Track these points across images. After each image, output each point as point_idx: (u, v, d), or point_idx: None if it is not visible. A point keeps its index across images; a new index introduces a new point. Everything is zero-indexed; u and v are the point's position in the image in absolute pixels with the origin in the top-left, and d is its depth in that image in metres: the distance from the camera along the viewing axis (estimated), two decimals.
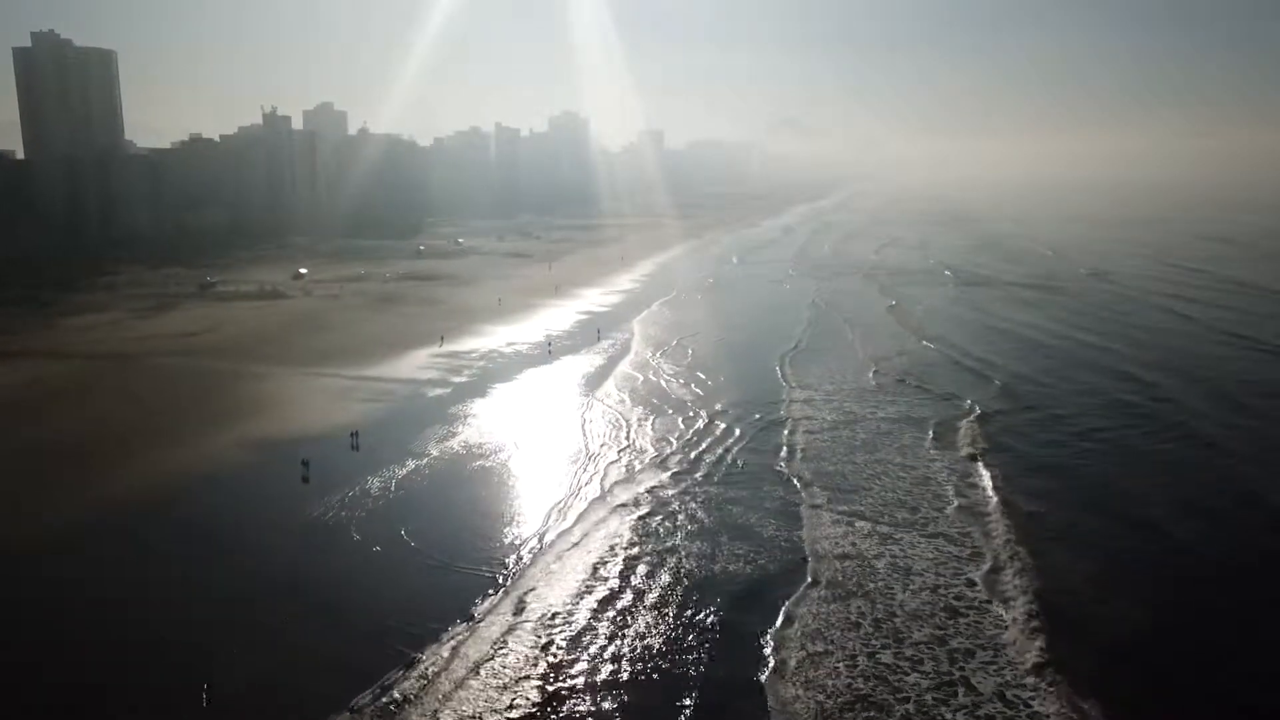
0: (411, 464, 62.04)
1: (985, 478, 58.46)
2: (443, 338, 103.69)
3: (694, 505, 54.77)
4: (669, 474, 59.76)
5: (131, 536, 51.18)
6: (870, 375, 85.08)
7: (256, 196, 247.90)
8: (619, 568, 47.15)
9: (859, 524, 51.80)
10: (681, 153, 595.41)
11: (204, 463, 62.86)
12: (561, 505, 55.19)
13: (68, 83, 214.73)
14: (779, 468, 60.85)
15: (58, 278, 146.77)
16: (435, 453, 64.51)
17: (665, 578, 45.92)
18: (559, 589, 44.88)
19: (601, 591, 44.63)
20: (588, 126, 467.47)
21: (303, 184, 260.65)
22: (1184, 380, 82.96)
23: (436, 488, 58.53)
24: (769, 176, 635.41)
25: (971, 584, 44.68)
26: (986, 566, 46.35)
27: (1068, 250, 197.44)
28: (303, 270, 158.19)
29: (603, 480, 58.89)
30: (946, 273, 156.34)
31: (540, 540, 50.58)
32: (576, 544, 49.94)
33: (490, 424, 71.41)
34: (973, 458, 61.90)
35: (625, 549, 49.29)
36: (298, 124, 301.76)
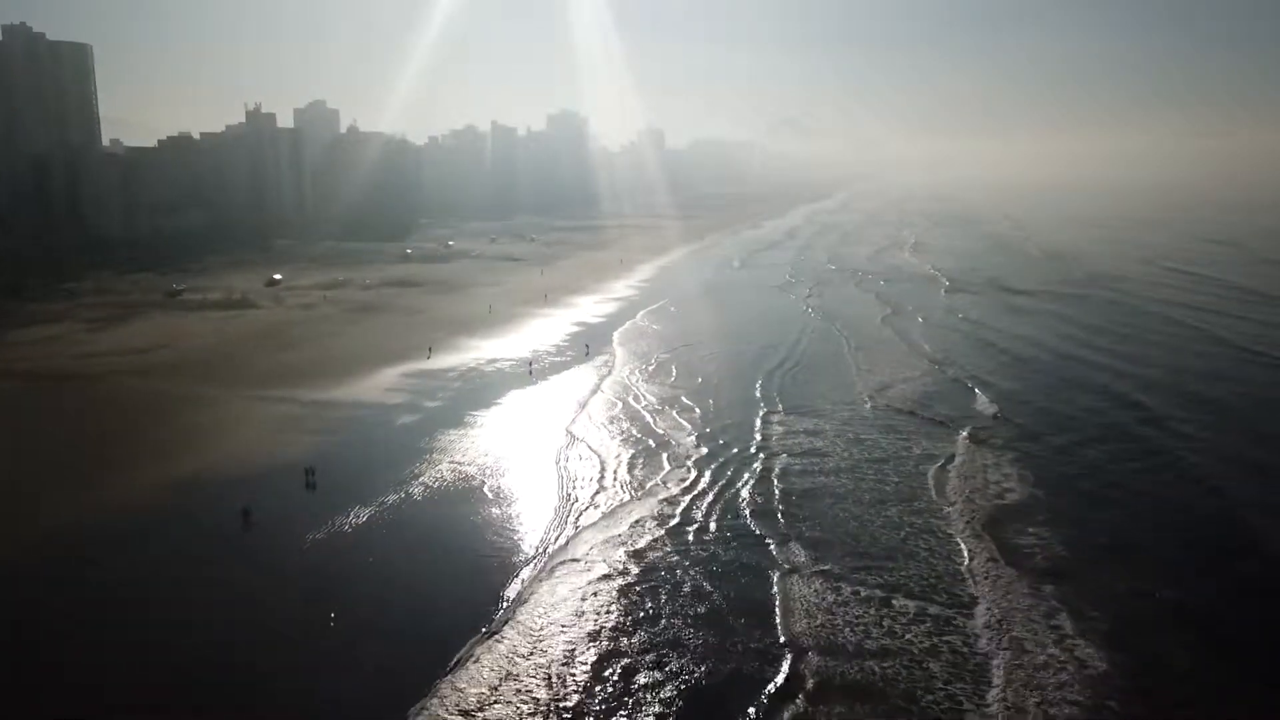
0: (368, 513, 52.24)
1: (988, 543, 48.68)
2: (431, 349, 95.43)
3: (666, 575, 44.74)
4: (642, 535, 49.36)
5: (10, 609, 41.54)
6: (866, 402, 74.35)
7: (239, 198, 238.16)
8: (578, 671, 37.43)
9: (850, 609, 41.69)
10: (682, 152, 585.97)
11: (119, 511, 53.11)
12: (526, 573, 45.12)
13: (40, 78, 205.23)
14: (762, 533, 49.32)
15: (14, 284, 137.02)
16: (395, 498, 54.64)
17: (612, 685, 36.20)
18: (513, 692, 35.19)
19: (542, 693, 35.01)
20: (586, 125, 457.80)
21: (288, 185, 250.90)
22: (1193, 407, 71.98)
23: (396, 543, 48.66)
24: (770, 177, 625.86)
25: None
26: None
27: (1064, 253, 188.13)
28: (277, 276, 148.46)
29: (572, 540, 48.73)
30: (943, 280, 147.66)
31: (501, 616, 40.84)
32: (538, 635, 40.02)
33: (461, 461, 61.51)
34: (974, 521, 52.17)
35: (586, 643, 39.51)
36: (288, 122, 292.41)
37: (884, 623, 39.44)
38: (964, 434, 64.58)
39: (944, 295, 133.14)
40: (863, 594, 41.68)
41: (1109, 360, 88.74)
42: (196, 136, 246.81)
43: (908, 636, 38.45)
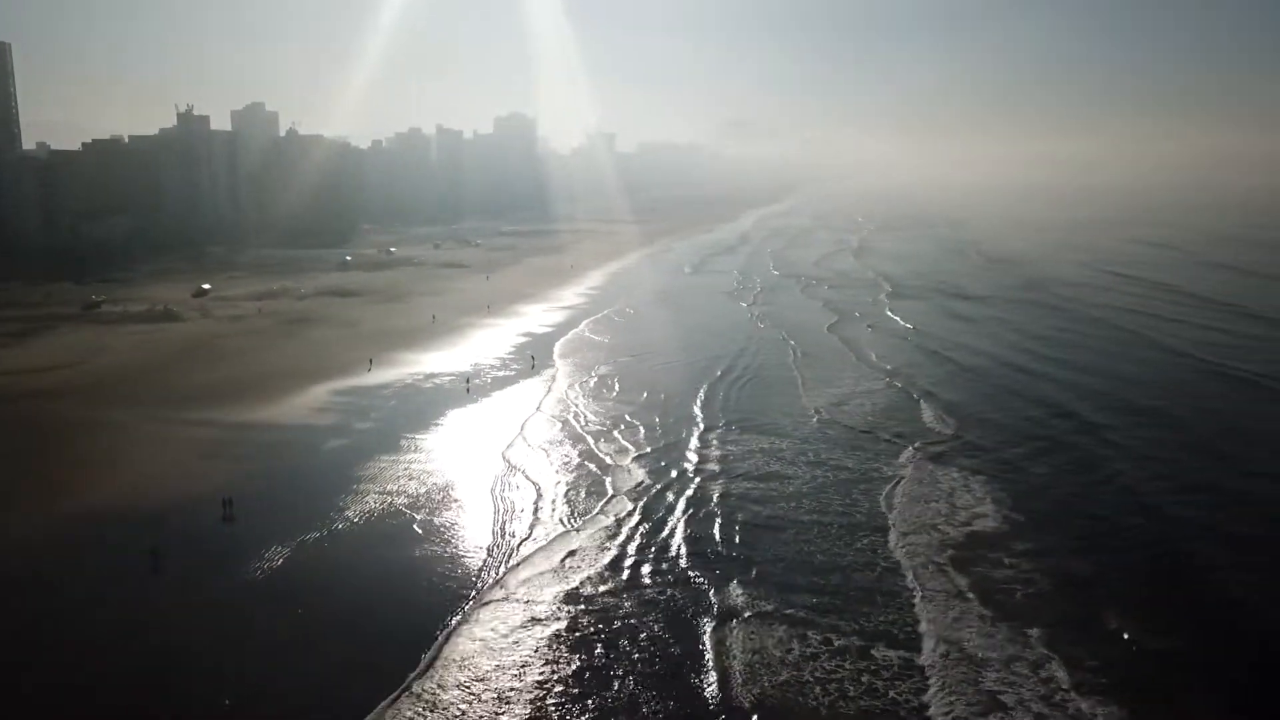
0: (286, 553, 47.58)
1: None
2: (371, 362, 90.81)
3: (600, 619, 40.83)
4: (578, 573, 45.38)
5: None
6: (814, 418, 71.12)
7: (170, 204, 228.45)
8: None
9: (792, 657, 37.88)
10: (633, 155, 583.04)
11: (2, 554, 47.55)
12: (453, 621, 40.71)
13: None
14: (702, 570, 45.16)
15: None
16: (316, 535, 49.95)
17: None
18: None
19: None
20: (535, 128, 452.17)
21: (223, 190, 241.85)
22: (1139, 420, 69.77)
23: (315, 589, 44.07)
24: (721, 180, 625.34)
25: None
26: None
27: (1010, 258, 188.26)
28: (206, 286, 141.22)
29: (503, 581, 44.53)
30: (890, 286, 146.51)
31: (419, 672, 36.42)
32: (457, 694, 35.67)
33: (390, 491, 56.94)
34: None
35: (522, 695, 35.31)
36: (225, 125, 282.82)
37: (833, 677, 36.10)
38: (916, 452, 61.99)
39: (890, 302, 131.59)
40: (809, 640, 38.40)
41: (1052, 370, 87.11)
42: (115, 139, 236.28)
43: (859, 697, 34.82)
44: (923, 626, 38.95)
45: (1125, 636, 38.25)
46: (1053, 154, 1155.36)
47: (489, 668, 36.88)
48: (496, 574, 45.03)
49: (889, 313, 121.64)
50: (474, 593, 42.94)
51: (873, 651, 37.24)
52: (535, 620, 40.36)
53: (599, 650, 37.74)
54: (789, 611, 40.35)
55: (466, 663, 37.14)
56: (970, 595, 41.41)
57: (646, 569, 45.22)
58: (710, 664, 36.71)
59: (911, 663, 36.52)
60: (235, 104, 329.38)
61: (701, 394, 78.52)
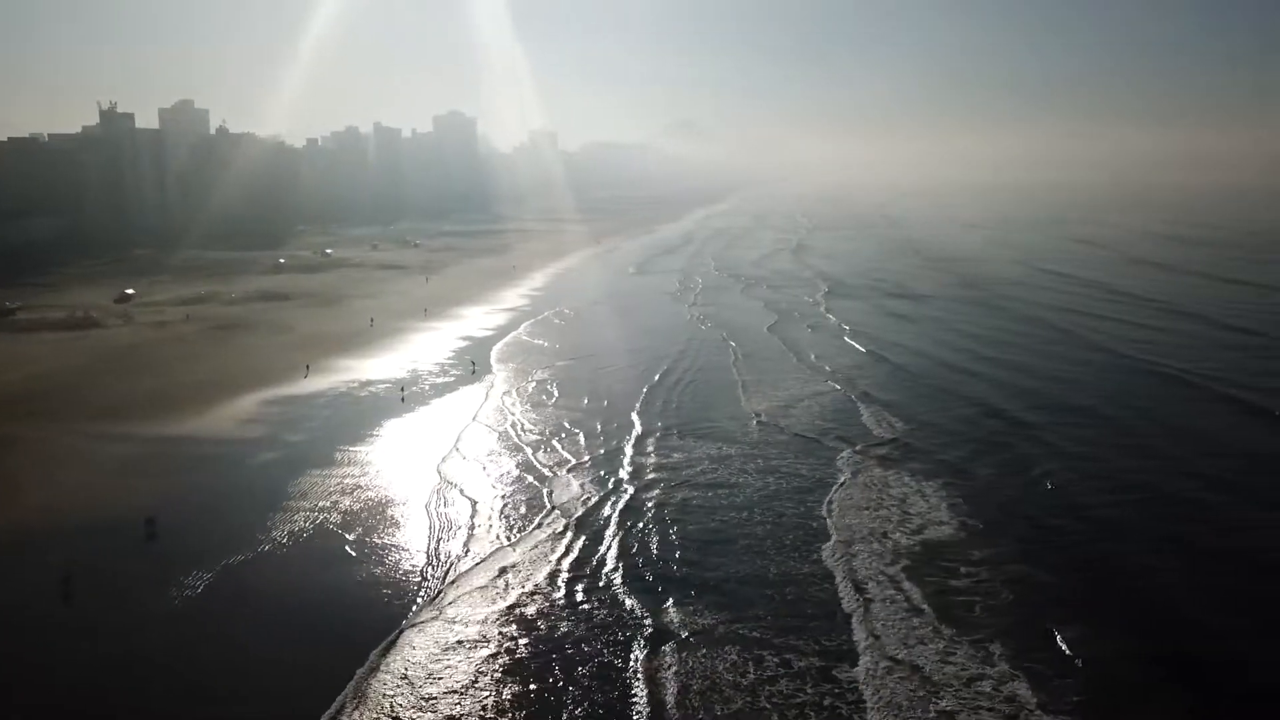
0: (209, 578, 45.15)
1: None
2: (308, 368, 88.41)
3: (535, 640, 39.49)
4: (511, 591, 43.81)
5: None
6: (753, 421, 70.56)
7: (93, 204, 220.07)
8: None
9: (729, 680, 37.00)
10: (576, 154, 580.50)
11: None
12: (379, 654, 38.73)
13: None
14: (641, 588, 43.62)
15: None
16: (242, 558, 47.58)
17: None
18: None
19: None
20: (475, 126, 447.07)
21: (150, 189, 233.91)
22: (1077, 420, 70.25)
23: (239, 616, 41.83)
24: (665, 180, 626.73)
25: None
26: None
27: (945, 256, 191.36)
28: (130, 291, 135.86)
29: (436, 603, 42.75)
30: (828, 285, 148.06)
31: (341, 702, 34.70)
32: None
33: (321, 508, 54.66)
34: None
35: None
36: (152, 123, 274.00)
37: (793, 702, 35.04)
38: (860, 457, 61.69)
39: (829, 301, 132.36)
40: (765, 663, 37.17)
41: (989, 369, 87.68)
42: (33, 139, 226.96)
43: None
44: (883, 643, 38.06)
45: (1088, 650, 37.53)
46: (977, 152, 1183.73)
47: (408, 704, 35.07)
48: (428, 596, 43.30)
49: (829, 313, 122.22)
50: (404, 619, 41.11)
51: (834, 672, 36.17)
52: (465, 645, 38.71)
53: (532, 681, 36.20)
54: (741, 631, 39.24)
55: (386, 700, 35.23)
56: (925, 609, 40.73)
57: (586, 587, 43.91)
58: (656, 692, 35.28)
59: (862, 682, 35.73)
60: (164, 102, 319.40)
61: (642, 399, 77.48)
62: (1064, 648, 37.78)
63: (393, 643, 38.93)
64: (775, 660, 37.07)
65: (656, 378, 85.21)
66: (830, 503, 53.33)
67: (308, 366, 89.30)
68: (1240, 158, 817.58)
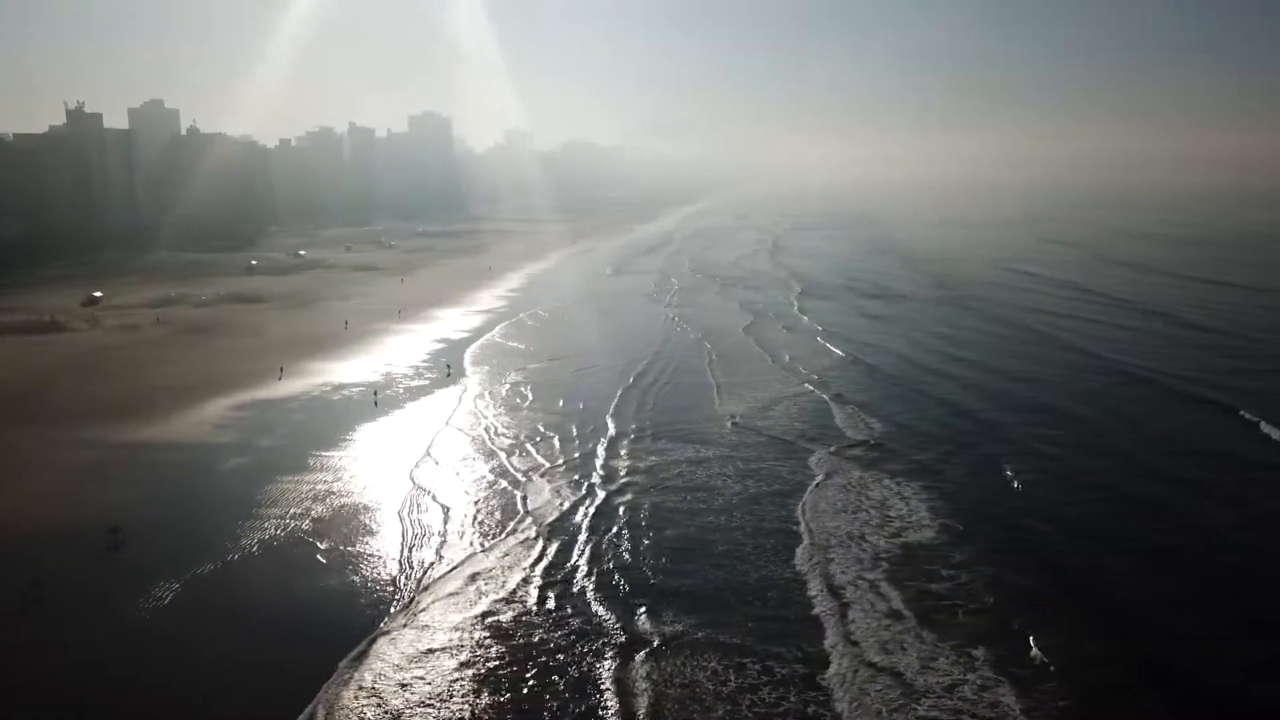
0: (176, 589, 44.40)
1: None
2: (282, 370, 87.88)
3: (508, 648, 39.16)
4: (483, 599, 43.52)
5: None
6: (729, 424, 70.51)
7: (59, 205, 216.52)
8: None
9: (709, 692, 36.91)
10: (552, 154, 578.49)
11: None
12: (342, 664, 38.31)
13: None
14: (615, 597, 43.39)
15: None
16: (211, 568, 46.91)
17: None
18: None
19: None
20: (450, 126, 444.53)
21: (118, 190, 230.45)
22: (1051, 422, 70.97)
23: (207, 627, 41.20)
24: (642, 180, 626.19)
25: None
26: None
27: (919, 256, 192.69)
28: (98, 294, 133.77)
29: (406, 616, 42.27)
30: (802, 286, 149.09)
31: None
32: None
33: (293, 515, 54.01)
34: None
35: None
36: (121, 123, 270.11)
37: (752, 709, 34.93)
38: (836, 458, 61.88)
39: (805, 302, 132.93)
40: (723, 669, 36.97)
41: (963, 370, 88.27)
42: (10, 138, 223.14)
43: None
44: (863, 649, 37.93)
45: (1071, 654, 37.53)
46: (971, 151, 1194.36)
47: (376, 716, 34.60)
48: (400, 605, 42.85)
49: (804, 314, 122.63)
50: (375, 628, 40.64)
51: (816, 679, 35.95)
52: (436, 655, 38.35)
53: (504, 692, 35.81)
54: (717, 638, 38.98)
55: (354, 714, 34.73)
56: (907, 613, 40.68)
57: (560, 594, 43.68)
58: (631, 703, 35.00)
59: (840, 690, 35.65)
60: (133, 102, 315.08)
61: (617, 401, 77.29)
62: (1047, 652, 37.68)
63: (363, 652, 38.51)
64: (756, 668, 36.84)
65: (631, 380, 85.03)
66: (806, 506, 53.38)
67: (281, 369, 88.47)
68: (1228, 157, 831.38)
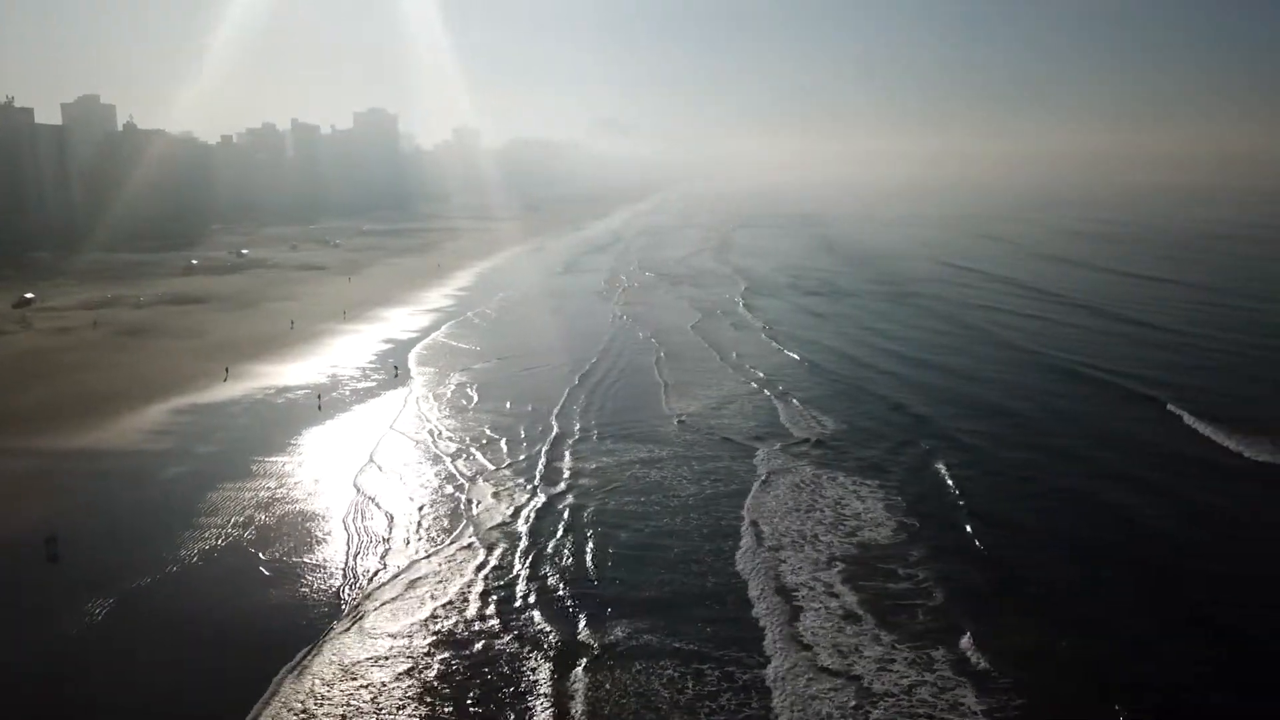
0: (110, 605, 43.23)
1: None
2: (228, 371, 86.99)
3: (450, 658, 39.12)
4: (425, 607, 43.19)
5: None
6: (675, 423, 71.00)
7: None
8: None
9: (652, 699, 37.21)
10: (502, 151, 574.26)
11: None
12: (280, 680, 37.71)
13: None
14: (569, 612, 42.97)
15: None
16: (149, 580, 45.86)
17: None
18: None
19: None
20: (397, 123, 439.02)
21: (51, 188, 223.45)
22: (984, 417, 73.08)
23: (142, 645, 40.29)
24: (592, 177, 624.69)
25: None
26: None
27: (864, 254, 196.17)
28: (29, 295, 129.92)
29: (354, 621, 41.89)
30: (748, 283, 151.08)
31: None
32: None
33: (234, 523, 53.10)
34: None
35: None
36: (54, 118, 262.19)
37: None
38: (781, 457, 62.52)
39: (751, 299, 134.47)
40: (671, 677, 36.77)
41: (903, 368, 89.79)
42: None
43: None
44: (815, 654, 37.87)
45: (1033, 653, 37.69)
46: (903, 151, 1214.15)
47: None
48: (342, 615, 42.30)
49: (751, 311, 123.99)
50: (315, 639, 40.02)
51: (767, 686, 35.69)
52: (378, 665, 37.97)
53: (444, 704, 35.44)
54: (665, 644, 38.88)
55: None
56: (862, 613, 40.93)
57: (503, 599, 43.49)
58: (571, 709, 34.92)
59: (791, 695, 35.74)
60: (66, 97, 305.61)
61: (563, 402, 77.40)
62: (1008, 652, 37.79)
63: (303, 663, 38.01)
64: (709, 674, 36.57)
65: (578, 380, 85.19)
66: (755, 505, 53.69)
67: (227, 369, 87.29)
68: (1183, 157, 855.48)
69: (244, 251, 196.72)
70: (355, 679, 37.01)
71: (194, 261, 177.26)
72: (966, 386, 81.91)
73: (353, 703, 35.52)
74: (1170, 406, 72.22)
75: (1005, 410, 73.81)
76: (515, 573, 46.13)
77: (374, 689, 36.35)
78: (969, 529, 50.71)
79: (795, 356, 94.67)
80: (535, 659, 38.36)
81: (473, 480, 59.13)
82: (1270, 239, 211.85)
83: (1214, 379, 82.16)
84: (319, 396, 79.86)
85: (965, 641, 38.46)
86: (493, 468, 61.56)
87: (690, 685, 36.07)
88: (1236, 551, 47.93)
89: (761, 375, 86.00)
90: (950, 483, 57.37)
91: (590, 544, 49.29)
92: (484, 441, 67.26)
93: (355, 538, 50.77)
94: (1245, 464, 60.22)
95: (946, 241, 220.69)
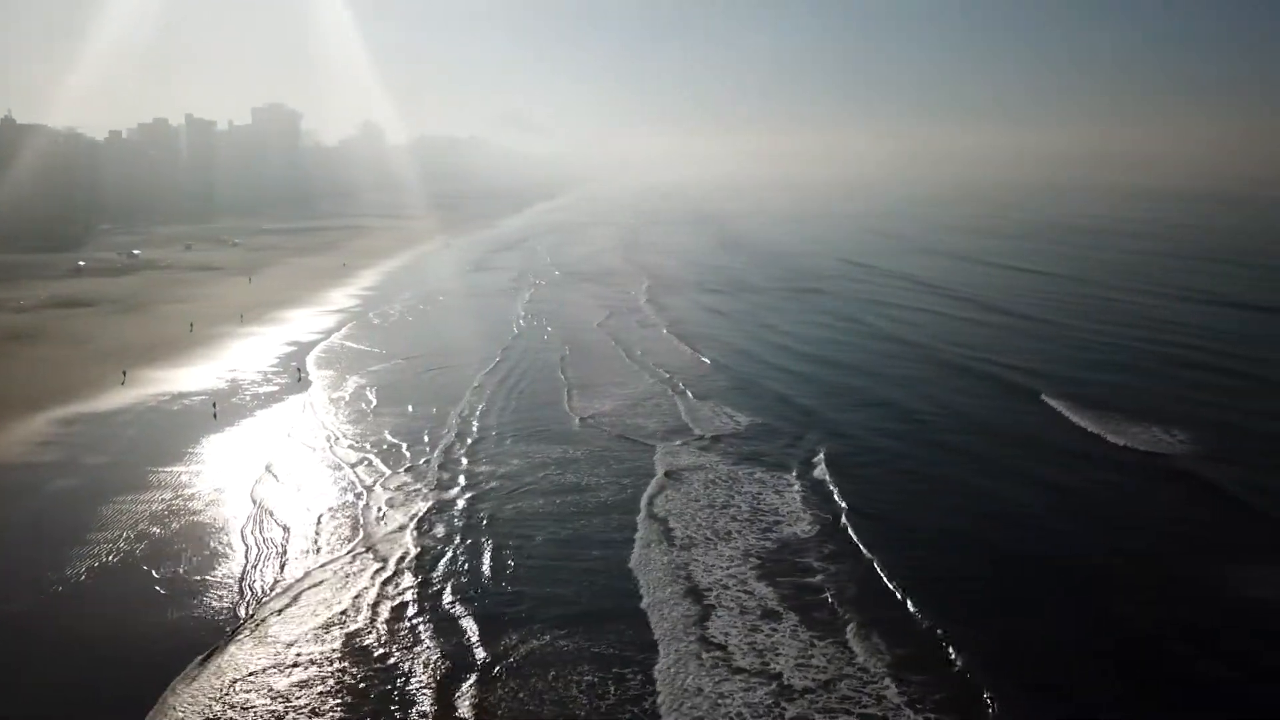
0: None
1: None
2: (125, 374, 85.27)
3: (348, 671, 39.43)
4: (322, 613, 43.39)
5: None
6: (576, 421, 72.24)
7: None
8: None
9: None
10: (407, 148, 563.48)
11: None
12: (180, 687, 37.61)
13: None
14: (469, 620, 42.50)
15: None
16: (32, 602, 44.41)
17: None
18: None
19: None
20: (299, 119, 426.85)
21: None
22: (883, 408, 77.49)
23: (24, 669, 39.13)
24: (503, 174, 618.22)
25: None
26: None
27: (766, 250, 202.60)
28: None
29: (248, 633, 41.78)
30: (653, 280, 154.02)
31: None
32: None
33: (125, 536, 51.69)
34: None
35: None
36: None
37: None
38: (687, 454, 64.09)
39: (657, 296, 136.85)
40: (566, 681, 37.23)
41: (805, 365, 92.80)
42: None
43: None
44: (729, 652, 38.41)
45: (956, 644, 38.66)
46: (804, 149, 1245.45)
47: None
48: (235, 628, 41.82)
49: (656, 308, 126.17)
50: (206, 652, 39.59)
51: (678, 686, 36.26)
52: (270, 673, 37.97)
53: (336, 711, 35.66)
54: (560, 647, 39.38)
55: None
56: (784, 610, 41.80)
57: (399, 608, 43.52)
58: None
59: (692, 692, 36.56)
60: None
61: (466, 403, 77.68)
62: (931, 641, 39.07)
63: (194, 676, 37.60)
64: (605, 680, 36.93)
65: (479, 381, 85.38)
66: (661, 503, 54.74)
67: (125, 373, 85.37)
68: (1072, 156, 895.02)
69: (135, 252, 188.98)
70: (247, 688, 36.97)
71: (81, 263, 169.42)
72: (856, 379, 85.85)
73: (242, 711, 35.60)
74: (1044, 397, 77.04)
75: (891, 402, 77.58)
76: (410, 580, 46.25)
77: (266, 696, 36.40)
78: (845, 522, 51.86)
79: (702, 354, 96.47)
80: (426, 664, 38.74)
81: (370, 489, 58.73)
82: (1146, 233, 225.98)
83: (1084, 369, 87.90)
84: (214, 404, 77.90)
85: (850, 632, 40.08)
86: (390, 473, 61.40)
87: (583, 686, 36.79)
88: (1108, 533, 51.07)
89: (668, 373, 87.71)
90: (832, 477, 58.76)
91: (487, 548, 49.67)
92: (384, 446, 66.96)
93: (252, 550, 50.13)
94: (1112, 449, 64.73)
95: (839, 238, 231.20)
